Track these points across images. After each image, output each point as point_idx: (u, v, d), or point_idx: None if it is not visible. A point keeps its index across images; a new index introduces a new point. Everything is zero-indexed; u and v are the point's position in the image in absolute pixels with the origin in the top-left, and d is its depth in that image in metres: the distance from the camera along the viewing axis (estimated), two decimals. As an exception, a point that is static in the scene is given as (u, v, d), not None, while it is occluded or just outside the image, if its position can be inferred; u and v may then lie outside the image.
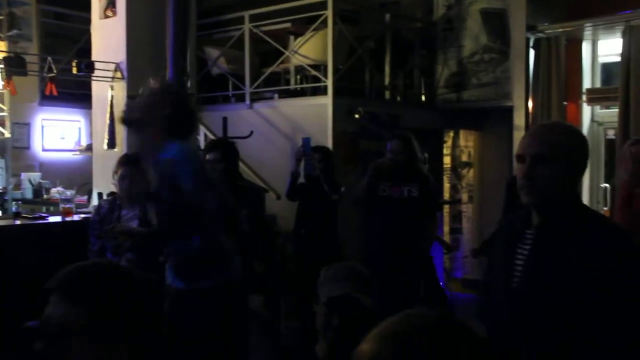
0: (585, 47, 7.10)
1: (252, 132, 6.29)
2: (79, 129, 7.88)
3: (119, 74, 6.25)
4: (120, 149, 6.04)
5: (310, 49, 6.69)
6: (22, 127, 7.32)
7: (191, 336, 2.79)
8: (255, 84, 6.97)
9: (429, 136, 6.81)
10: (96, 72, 6.25)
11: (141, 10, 6.24)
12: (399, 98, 7.46)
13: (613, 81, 6.87)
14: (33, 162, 7.41)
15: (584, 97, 7.00)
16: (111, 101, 6.22)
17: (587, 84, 7.11)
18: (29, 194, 6.22)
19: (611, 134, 7.06)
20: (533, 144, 1.85)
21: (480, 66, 7.20)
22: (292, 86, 7.06)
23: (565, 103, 6.87)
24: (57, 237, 4.22)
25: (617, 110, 6.37)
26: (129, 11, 6.18)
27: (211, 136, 6.72)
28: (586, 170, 6.88)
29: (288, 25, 6.96)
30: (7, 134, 6.69)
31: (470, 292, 6.93)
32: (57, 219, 4.57)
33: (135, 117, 2.80)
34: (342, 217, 5.32)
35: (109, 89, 6.25)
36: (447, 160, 7.88)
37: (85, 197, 5.96)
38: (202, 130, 6.93)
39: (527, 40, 6.84)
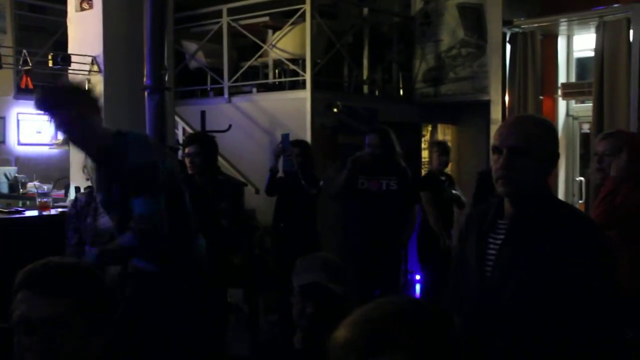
0: (561, 42, 7.19)
1: (230, 126, 6.28)
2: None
3: (95, 68, 6.20)
4: (98, 143, 5.99)
5: (288, 43, 6.69)
6: (-4, 121, 7.24)
7: (152, 318, 2.77)
8: (234, 78, 6.96)
9: (407, 130, 6.86)
10: (73, 66, 6.19)
11: (118, 2, 6.18)
12: (377, 92, 7.50)
13: (588, 76, 6.96)
14: (8, 157, 7.32)
15: (560, 92, 7.10)
16: (88, 95, 6.16)
17: (562, 78, 7.20)
18: (4, 189, 6.14)
19: (586, 128, 7.17)
20: (510, 136, 1.87)
21: (457, 60, 7.26)
22: (270, 80, 7.06)
23: (541, 97, 6.96)
24: (34, 232, 4.19)
25: (591, 104, 6.47)
26: (105, 4, 6.11)
27: (189, 130, 6.71)
28: (562, 164, 6.96)
29: (266, 19, 6.95)
30: (-18, 128, 6.60)
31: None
32: (34, 213, 4.54)
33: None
34: (321, 211, 5.34)
35: (86, 82, 6.19)
36: (425, 154, 7.93)
37: (62, 192, 5.90)
38: (181, 124, 6.91)
39: (504, 35, 6.91)
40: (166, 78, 5.03)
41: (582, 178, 6.98)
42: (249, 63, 6.92)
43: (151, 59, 4.81)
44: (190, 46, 7.30)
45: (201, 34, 7.30)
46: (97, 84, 6.21)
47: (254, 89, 7.02)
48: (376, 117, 6.75)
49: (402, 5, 7.87)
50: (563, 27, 7.00)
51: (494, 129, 6.76)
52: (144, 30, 4.86)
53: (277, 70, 7.06)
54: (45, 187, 5.14)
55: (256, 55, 6.89)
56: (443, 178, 5.96)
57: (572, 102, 7.28)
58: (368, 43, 7.18)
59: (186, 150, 4.49)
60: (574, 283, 1.77)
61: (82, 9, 6.33)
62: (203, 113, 6.25)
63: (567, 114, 7.30)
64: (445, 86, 7.37)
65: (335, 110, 6.39)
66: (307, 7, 6.35)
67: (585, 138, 7.18)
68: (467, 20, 7.14)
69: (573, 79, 7.27)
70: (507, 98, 6.97)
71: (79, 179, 5.18)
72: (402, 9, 7.85)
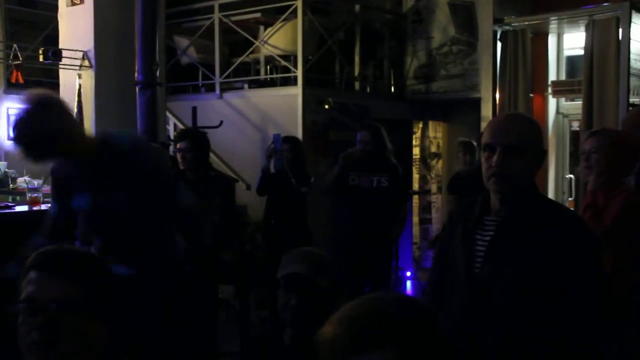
0: (551, 40, 7.23)
1: (221, 122, 6.27)
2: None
3: (86, 63, 6.18)
4: (88, 138, 5.97)
5: (280, 39, 6.69)
6: (-14, 116, 7.19)
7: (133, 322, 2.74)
8: (225, 74, 6.95)
9: (398, 127, 6.87)
10: (64, 61, 6.17)
11: (109, -3, 6.17)
12: (368, 89, 7.51)
13: (578, 74, 7.00)
14: (-2, 152, 7.28)
15: (550, 89, 7.13)
16: (79, 90, 6.15)
17: (552, 76, 7.24)
18: (-6, 184, 6.12)
19: (576, 125, 7.21)
20: (505, 135, 1.88)
21: (448, 58, 7.28)
22: (262, 76, 7.06)
23: (531, 95, 6.99)
24: (24, 227, 4.17)
25: (581, 102, 6.50)
26: (96, -2, 6.11)
27: (181, 126, 6.70)
28: (552, 161, 6.99)
29: (258, 15, 6.95)
30: (-29, 123, 6.57)
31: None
32: (24, 208, 4.53)
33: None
34: (312, 207, 5.35)
35: (77, 77, 6.18)
36: (416, 151, 7.96)
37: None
38: (172, 119, 6.90)
39: (495, 32, 6.93)
40: (157, 73, 5.03)
41: (571, 175, 7.03)
42: (240, 59, 6.92)
43: (142, 54, 4.81)
44: (182, 42, 7.29)
45: (193, 29, 7.28)
46: (88, 78, 6.20)
47: (246, 85, 7.02)
48: (367, 114, 6.77)
49: (394, 2, 7.88)
50: (553, 26, 7.03)
51: (484, 126, 6.79)
52: (135, 26, 4.85)
53: (268, 67, 7.06)
54: (36, 183, 5.12)
55: (248, 52, 6.88)
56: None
57: (562, 100, 7.32)
58: (359, 40, 7.19)
59: (178, 145, 4.48)
60: (569, 282, 1.79)
61: (73, 4, 6.31)
62: (194, 109, 6.24)
63: (557, 112, 7.35)
64: (437, 83, 7.39)
65: (326, 106, 6.39)
66: (298, 3, 6.35)
67: (575, 135, 7.23)
68: (458, 17, 7.16)
69: (563, 77, 7.31)
70: (497, 95, 6.99)
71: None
72: (394, 6, 7.86)
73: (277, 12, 6.82)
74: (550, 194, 7.02)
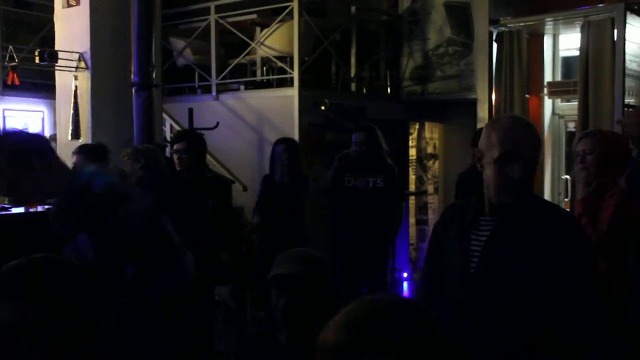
0: (547, 41, 7.25)
1: (218, 124, 6.28)
2: (42, 119, 7.75)
3: (82, 64, 6.17)
4: (85, 139, 5.98)
5: (276, 40, 6.70)
6: (-18, 117, 7.19)
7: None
8: (222, 76, 6.95)
9: (394, 128, 6.88)
10: (60, 62, 6.16)
11: (105, -1, 6.16)
12: (364, 90, 7.52)
13: (573, 75, 7.02)
14: (-6, 153, 7.27)
15: (545, 90, 7.15)
16: (75, 91, 6.14)
17: (548, 77, 7.26)
18: (-10, 185, 6.11)
19: (571, 126, 7.23)
20: (526, 145, 1.85)
21: (444, 59, 7.29)
22: (258, 78, 7.06)
23: (527, 96, 7.01)
24: (20, 228, 4.18)
25: (577, 103, 6.52)
26: (92, 0, 6.09)
27: (177, 127, 6.70)
28: (547, 162, 6.98)
29: (254, 16, 6.95)
30: (-33, 124, 6.57)
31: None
32: (20, 210, 4.53)
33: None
34: (308, 208, 5.35)
35: (73, 79, 6.17)
36: (412, 152, 7.97)
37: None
38: (168, 121, 6.90)
39: (490, 33, 6.95)
40: (154, 75, 5.04)
41: (567, 176, 7.04)
42: (236, 60, 6.92)
43: (139, 56, 4.82)
44: (178, 43, 7.29)
45: (189, 31, 7.28)
46: (84, 80, 6.20)
47: (242, 87, 7.02)
48: (364, 115, 6.77)
49: (390, 3, 7.89)
50: (549, 27, 7.05)
51: (480, 127, 6.80)
52: (131, 27, 4.86)
53: (264, 68, 7.06)
54: (32, 184, 5.11)
55: (244, 53, 6.89)
56: None
57: (558, 101, 7.34)
58: (356, 41, 7.20)
59: (174, 147, 4.49)
60: (565, 281, 1.79)
61: (69, 5, 6.30)
62: (191, 110, 6.24)
63: (553, 113, 7.36)
64: (433, 84, 7.41)
65: (322, 107, 6.40)
66: (294, 4, 6.36)
67: (570, 136, 7.24)
68: (454, 18, 7.18)
69: (559, 78, 7.33)
70: (493, 96, 7.01)
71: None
72: (390, 7, 7.87)
73: (273, 13, 6.82)
74: (547, 195, 7.04)
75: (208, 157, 5.20)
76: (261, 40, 6.79)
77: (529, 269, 1.82)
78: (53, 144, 6.84)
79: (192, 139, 4.45)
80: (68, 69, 6.19)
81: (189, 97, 7.25)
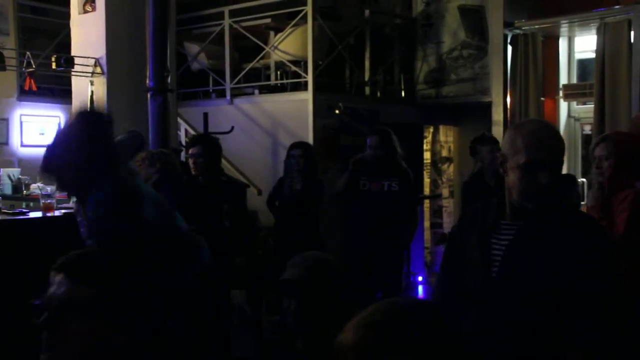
0: (562, 44, 7.20)
1: (232, 128, 6.30)
2: (59, 124, 7.82)
3: (98, 69, 6.22)
4: (101, 144, 6.01)
5: (290, 44, 6.71)
6: (0, 123, 7.25)
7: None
8: (236, 80, 6.98)
9: (408, 131, 6.87)
10: (76, 68, 6.21)
11: (121, 5, 6.20)
12: (378, 94, 7.51)
13: (589, 77, 6.97)
14: (12, 158, 7.33)
15: (561, 93, 7.11)
16: (91, 96, 6.19)
17: (563, 79, 7.21)
18: (8, 190, 6.16)
19: (587, 129, 7.17)
20: (553, 151, 1.84)
21: (459, 62, 7.27)
22: (272, 82, 7.08)
23: (542, 99, 6.97)
24: (38, 233, 4.20)
25: (593, 105, 6.47)
26: (108, 6, 6.14)
27: (192, 132, 6.73)
28: (564, 165, 6.93)
29: (268, 20, 6.97)
30: (-15, 130, 6.63)
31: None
32: (38, 214, 4.55)
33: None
34: (323, 212, 5.35)
35: (89, 84, 6.22)
36: (427, 155, 7.94)
37: (65, 193, 5.91)
38: (183, 125, 6.93)
39: (505, 36, 6.92)
40: (169, 80, 5.06)
41: (584, 179, 6.99)
42: (251, 65, 6.94)
43: (154, 61, 4.84)
44: (193, 48, 7.33)
45: (203, 35, 7.32)
46: (100, 85, 6.24)
47: (256, 91, 7.04)
48: (378, 119, 6.77)
49: (404, 6, 7.88)
50: (564, 29, 7.01)
51: (495, 130, 6.77)
52: (146, 32, 4.88)
53: (279, 72, 7.08)
54: (49, 189, 5.15)
55: (258, 57, 6.91)
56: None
57: (574, 104, 7.28)
58: (369, 44, 7.20)
59: (190, 151, 4.51)
60: (583, 282, 1.78)
61: (85, 11, 6.36)
62: (206, 115, 6.26)
63: (569, 116, 7.31)
64: (447, 87, 7.38)
65: (337, 111, 6.40)
66: (308, 8, 6.37)
67: (587, 139, 7.18)
68: (468, 21, 7.16)
69: (574, 80, 7.28)
70: (508, 99, 6.97)
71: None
72: (404, 10, 7.86)
73: (287, 17, 6.84)
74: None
75: (223, 161, 5.22)
76: (275, 45, 6.81)
77: (552, 273, 1.80)
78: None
79: (208, 143, 4.47)
80: (84, 74, 6.23)
81: (204, 102, 7.28)
